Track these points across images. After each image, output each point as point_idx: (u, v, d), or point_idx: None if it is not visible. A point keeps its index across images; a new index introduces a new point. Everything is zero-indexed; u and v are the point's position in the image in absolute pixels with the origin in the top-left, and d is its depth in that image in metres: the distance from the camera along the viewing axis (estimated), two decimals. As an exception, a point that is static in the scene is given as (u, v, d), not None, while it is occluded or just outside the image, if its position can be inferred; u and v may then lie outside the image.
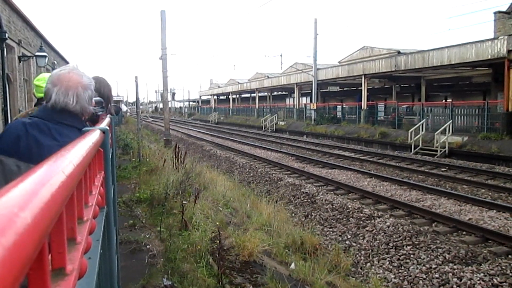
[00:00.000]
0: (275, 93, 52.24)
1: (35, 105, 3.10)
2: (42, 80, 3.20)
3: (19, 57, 13.95)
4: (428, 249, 7.08)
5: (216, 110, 57.20)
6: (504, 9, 24.46)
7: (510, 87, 16.70)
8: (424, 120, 20.30)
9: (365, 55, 31.94)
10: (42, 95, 3.08)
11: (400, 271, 6.66)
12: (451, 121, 18.59)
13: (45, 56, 14.47)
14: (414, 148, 18.70)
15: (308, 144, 23.74)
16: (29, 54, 14.99)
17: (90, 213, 1.09)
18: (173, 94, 74.35)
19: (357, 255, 7.46)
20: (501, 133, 16.56)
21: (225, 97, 63.88)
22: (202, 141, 25.86)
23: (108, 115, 3.24)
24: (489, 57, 17.25)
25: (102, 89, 3.54)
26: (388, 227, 8.13)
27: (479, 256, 6.60)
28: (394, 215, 8.90)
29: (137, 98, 13.64)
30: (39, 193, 0.46)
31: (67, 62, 29.25)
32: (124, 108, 52.25)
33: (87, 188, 1.17)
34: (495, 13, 25.06)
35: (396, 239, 7.64)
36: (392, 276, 6.53)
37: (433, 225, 8.31)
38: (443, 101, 31.94)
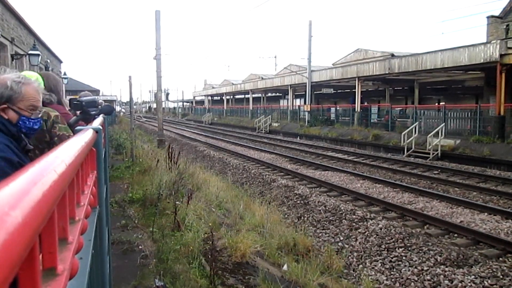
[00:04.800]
0: (269, 94, 52.28)
1: None
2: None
3: (12, 55, 13.85)
4: (420, 251, 7.12)
5: (210, 110, 57.11)
6: (497, 13, 24.72)
7: (502, 91, 16.85)
8: (417, 123, 20.42)
9: (359, 57, 32.05)
10: None
11: (392, 273, 6.68)
12: (443, 124, 18.74)
13: (38, 55, 14.39)
14: (407, 151, 18.79)
15: (301, 145, 23.78)
16: (22, 52, 14.89)
17: (82, 213, 1.08)
18: (167, 94, 74.14)
19: (350, 257, 7.48)
20: (493, 137, 16.71)
21: (219, 98, 63.78)
22: (196, 141, 25.82)
23: (101, 115, 3.22)
24: (482, 61, 17.36)
25: (48, 82, 3.56)
26: (381, 229, 8.17)
27: (471, 259, 6.65)
28: (387, 217, 8.94)
29: (131, 98, 13.58)
30: (30, 192, 0.45)
31: (60, 61, 29.06)
32: (117, 108, 51.98)
33: (79, 187, 1.16)
34: (488, 17, 25.32)
35: (388, 241, 7.68)
36: (384, 278, 6.55)
37: (425, 227, 8.36)
38: (436, 104, 32.10)
